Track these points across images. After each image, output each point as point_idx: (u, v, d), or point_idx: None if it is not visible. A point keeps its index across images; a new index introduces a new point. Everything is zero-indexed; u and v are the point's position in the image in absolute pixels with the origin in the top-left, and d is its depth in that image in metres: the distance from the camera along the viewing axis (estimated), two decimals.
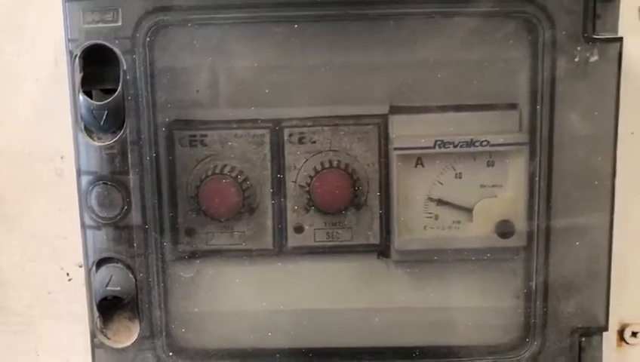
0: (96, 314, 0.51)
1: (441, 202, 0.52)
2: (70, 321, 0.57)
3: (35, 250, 0.56)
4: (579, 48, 0.47)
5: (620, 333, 0.56)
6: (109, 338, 0.51)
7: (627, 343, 0.55)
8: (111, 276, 0.50)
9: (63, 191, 0.55)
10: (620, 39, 0.47)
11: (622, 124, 0.51)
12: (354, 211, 0.52)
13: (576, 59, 0.47)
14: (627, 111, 0.51)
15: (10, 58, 0.54)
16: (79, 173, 0.49)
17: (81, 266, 0.55)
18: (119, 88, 0.47)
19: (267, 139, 0.51)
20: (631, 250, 0.54)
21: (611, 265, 0.50)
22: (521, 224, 0.51)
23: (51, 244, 0.56)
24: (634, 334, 0.55)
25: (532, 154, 0.49)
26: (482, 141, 0.50)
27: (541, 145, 0.49)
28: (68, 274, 0.56)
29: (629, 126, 0.52)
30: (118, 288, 0.50)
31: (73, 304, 0.56)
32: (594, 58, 0.47)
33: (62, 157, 0.55)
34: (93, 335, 0.51)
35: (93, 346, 0.51)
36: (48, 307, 0.57)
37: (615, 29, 0.47)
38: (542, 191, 0.49)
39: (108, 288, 0.50)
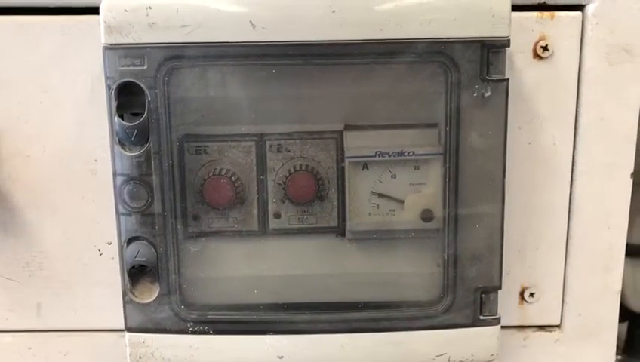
0: (127, 278, 0.55)
1: (381, 195, 0.57)
2: (101, 286, 0.60)
3: (73, 230, 0.60)
4: (477, 86, 0.52)
5: (522, 294, 0.61)
6: (136, 296, 0.55)
7: (527, 302, 0.62)
8: (138, 250, 0.54)
9: (96, 186, 0.59)
10: (507, 79, 0.52)
11: (520, 136, 0.58)
12: (318, 202, 0.57)
13: (475, 94, 0.53)
14: (525, 127, 0.58)
15: (56, 84, 0.57)
16: (115, 175, 0.53)
17: (109, 244, 0.60)
18: (145, 113, 0.52)
19: (253, 149, 0.56)
20: (530, 232, 0.60)
21: (503, 242, 0.55)
22: (438, 212, 0.56)
23: (86, 226, 0.60)
24: (531, 294, 0.61)
25: (445, 161, 0.54)
26: (409, 152, 0.56)
27: (451, 154, 0.54)
28: (99, 250, 0.60)
29: (526, 138, 0.58)
30: (144, 259, 0.54)
31: (103, 273, 0.60)
32: (488, 93, 0.53)
33: (95, 160, 0.58)
34: (124, 294, 0.55)
35: (125, 302, 0.55)
36: (83, 275, 0.61)
37: (503, 72, 0.52)
38: (452, 188, 0.54)
39: (136, 259, 0.54)
